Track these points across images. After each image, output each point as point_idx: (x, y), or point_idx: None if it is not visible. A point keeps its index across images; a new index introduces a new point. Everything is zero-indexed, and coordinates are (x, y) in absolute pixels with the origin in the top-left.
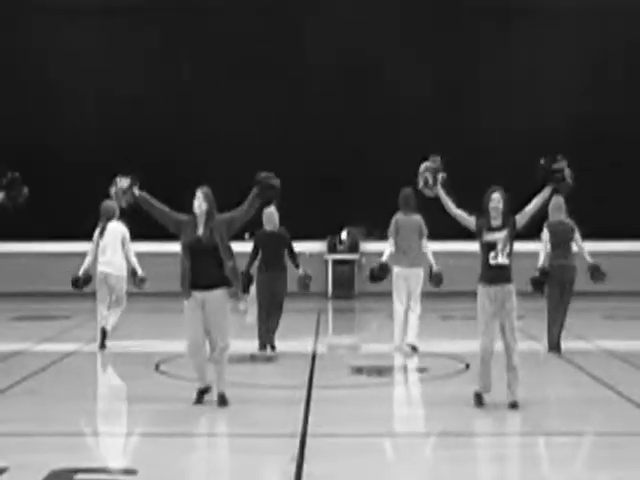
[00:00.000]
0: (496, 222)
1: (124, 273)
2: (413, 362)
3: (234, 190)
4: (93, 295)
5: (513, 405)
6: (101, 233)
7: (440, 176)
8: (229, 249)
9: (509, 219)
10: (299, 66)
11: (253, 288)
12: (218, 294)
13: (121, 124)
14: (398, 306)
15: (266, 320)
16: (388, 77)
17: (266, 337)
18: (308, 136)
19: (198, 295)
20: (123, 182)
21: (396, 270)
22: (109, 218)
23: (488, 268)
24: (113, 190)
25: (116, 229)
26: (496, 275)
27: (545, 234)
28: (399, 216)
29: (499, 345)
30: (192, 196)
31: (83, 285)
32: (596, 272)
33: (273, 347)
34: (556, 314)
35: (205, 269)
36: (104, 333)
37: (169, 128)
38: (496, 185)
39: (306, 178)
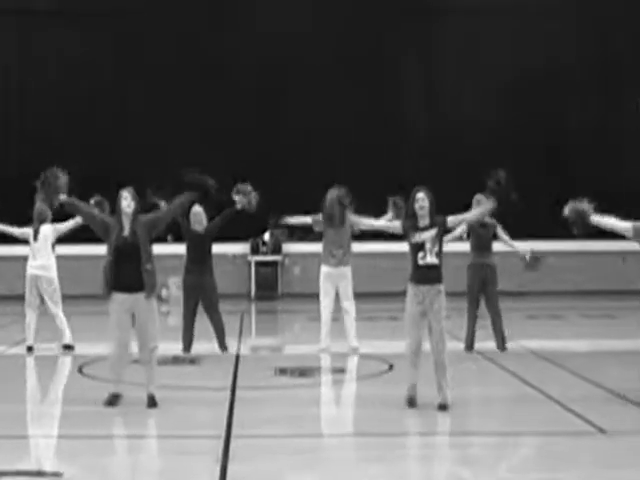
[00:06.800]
0: (424, 222)
1: (54, 274)
2: (337, 363)
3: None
4: (17, 298)
5: (442, 407)
6: (35, 236)
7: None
8: (148, 252)
9: (438, 219)
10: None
11: (176, 290)
12: (145, 296)
13: (42, 127)
14: (325, 307)
15: (192, 323)
16: (309, 88)
17: (191, 340)
18: (230, 136)
19: (124, 297)
20: (52, 180)
21: (324, 270)
22: (42, 221)
23: (417, 268)
24: (40, 185)
25: (47, 232)
26: (425, 275)
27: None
28: None
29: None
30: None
31: None
32: (532, 260)
33: (226, 348)
34: (473, 310)
35: (131, 271)
36: (70, 347)
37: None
38: (421, 185)
39: (229, 180)
